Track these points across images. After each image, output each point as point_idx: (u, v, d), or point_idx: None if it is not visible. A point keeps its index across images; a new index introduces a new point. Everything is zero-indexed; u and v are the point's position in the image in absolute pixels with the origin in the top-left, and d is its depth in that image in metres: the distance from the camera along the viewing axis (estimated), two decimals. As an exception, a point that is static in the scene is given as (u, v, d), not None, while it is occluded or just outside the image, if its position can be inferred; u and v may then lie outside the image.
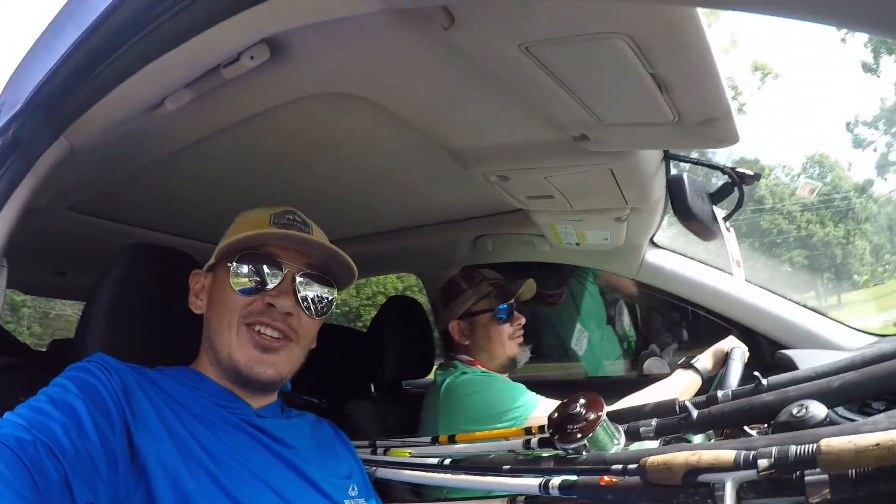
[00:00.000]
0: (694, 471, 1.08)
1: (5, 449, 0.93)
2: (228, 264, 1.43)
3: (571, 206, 2.18)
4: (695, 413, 1.49)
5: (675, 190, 1.96)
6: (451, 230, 2.85)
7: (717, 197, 2.03)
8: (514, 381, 2.36)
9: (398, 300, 2.94)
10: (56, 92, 1.37)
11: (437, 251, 3.11)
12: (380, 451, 1.90)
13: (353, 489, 1.52)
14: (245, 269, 1.43)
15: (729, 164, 2.01)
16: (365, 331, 3.25)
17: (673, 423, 1.52)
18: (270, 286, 1.43)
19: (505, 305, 2.49)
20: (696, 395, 2.02)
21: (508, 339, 2.49)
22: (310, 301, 1.49)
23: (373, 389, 3.22)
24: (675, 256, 2.75)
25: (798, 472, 0.98)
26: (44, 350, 3.72)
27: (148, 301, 1.59)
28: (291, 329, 1.45)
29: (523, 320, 2.55)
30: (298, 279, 1.46)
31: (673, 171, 2.07)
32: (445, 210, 2.68)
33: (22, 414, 1.06)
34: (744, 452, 1.03)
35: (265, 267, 1.44)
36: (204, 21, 1.12)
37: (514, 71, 1.30)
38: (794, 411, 1.27)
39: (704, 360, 2.18)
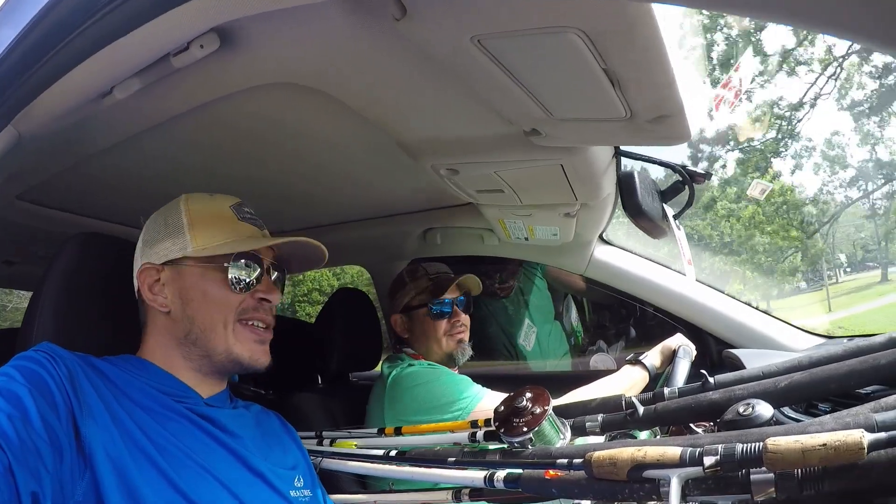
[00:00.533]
0: (639, 466, 1.07)
1: None
2: (225, 264, 1.43)
3: (521, 200, 2.18)
4: (641, 409, 1.50)
5: (625, 187, 1.96)
6: (400, 223, 2.85)
7: (667, 195, 2.04)
8: (461, 374, 2.36)
9: (346, 292, 2.92)
10: (3, 80, 1.33)
11: (385, 244, 3.10)
12: (326, 442, 1.89)
13: (298, 480, 1.52)
14: (241, 270, 1.45)
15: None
16: (312, 322, 3.22)
17: (619, 418, 1.53)
18: (259, 283, 1.47)
19: (439, 301, 2.48)
20: (643, 391, 2.03)
21: (444, 336, 2.48)
22: (279, 289, 1.55)
23: (320, 381, 3.19)
24: (624, 253, 2.76)
25: (744, 471, 0.98)
26: None
27: (95, 291, 1.55)
28: (273, 318, 1.52)
29: (462, 317, 2.54)
30: (272, 270, 1.52)
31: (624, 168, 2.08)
32: (395, 203, 2.68)
33: None
34: (690, 449, 1.03)
35: (252, 265, 1.47)
36: (153, 8, 1.10)
37: (466, 64, 1.29)
38: (741, 410, 1.28)
39: (652, 356, 2.19)
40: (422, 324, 2.52)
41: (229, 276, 1.43)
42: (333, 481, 1.85)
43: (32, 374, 1.16)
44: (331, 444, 1.87)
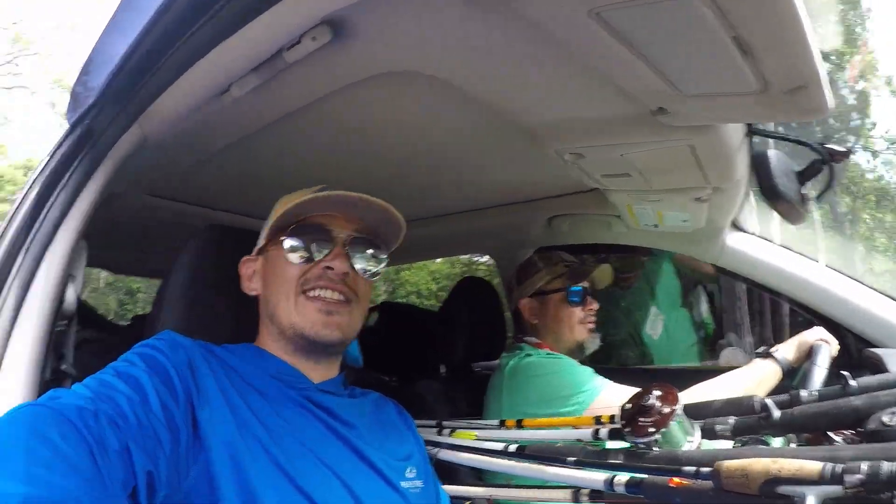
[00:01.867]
0: (773, 481, 0.99)
1: (64, 420, 0.94)
2: (281, 239, 1.47)
3: (650, 185, 2.08)
4: (776, 413, 1.40)
5: (760, 168, 1.84)
6: (525, 210, 2.79)
7: (805, 175, 1.92)
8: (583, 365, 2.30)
9: (471, 281, 2.92)
10: (127, 82, 1.43)
11: (510, 232, 3.05)
12: (446, 431, 1.89)
13: (410, 471, 1.51)
14: (297, 241, 1.46)
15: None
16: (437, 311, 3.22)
17: (752, 422, 1.42)
18: (324, 254, 1.46)
19: (578, 287, 2.44)
20: (775, 389, 1.93)
21: (578, 324, 2.43)
22: (363, 264, 1.52)
23: (443, 370, 3.20)
24: (759, 241, 2.60)
25: (890, 493, 0.90)
26: (125, 324, 3.87)
27: (220, 281, 1.61)
28: (350, 290, 1.48)
29: (596, 306, 2.50)
30: (349, 243, 1.49)
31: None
32: (518, 190, 2.62)
33: (89, 385, 1.09)
34: (830, 465, 0.95)
35: (316, 236, 1.47)
36: (262, 3, 1.15)
37: (585, 39, 1.23)
38: (885, 419, 1.18)
39: (786, 350, 2.06)
40: (556, 310, 2.45)
41: (285, 248, 1.45)
42: (451, 472, 1.84)
43: (153, 361, 1.21)
44: (450, 434, 1.87)
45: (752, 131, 1.88)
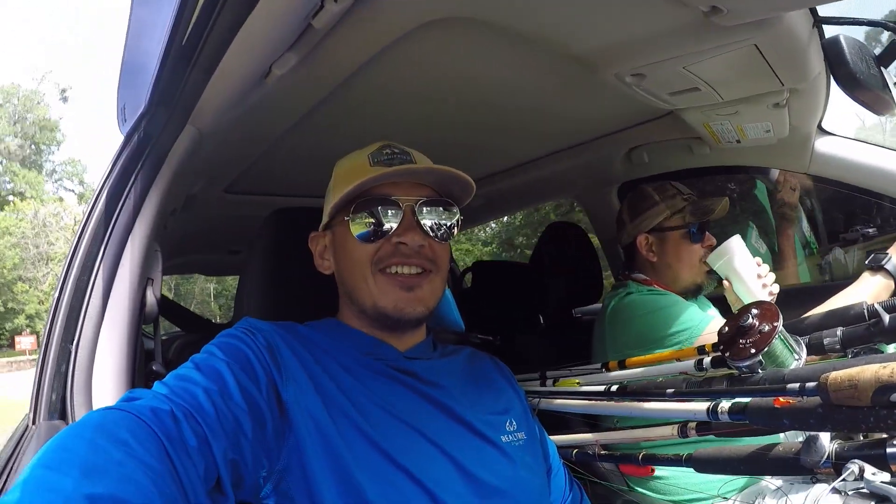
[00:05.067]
0: (886, 388, 0.92)
1: (137, 421, 0.95)
2: (345, 217, 1.42)
3: (721, 96, 1.97)
4: (886, 318, 1.31)
5: (833, 57, 1.70)
6: (602, 146, 2.69)
7: (884, 59, 1.78)
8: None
9: (557, 227, 2.88)
10: (169, 82, 1.46)
11: (590, 171, 2.95)
12: (549, 381, 1.89)
13: (510, 423, 1.49)
14: (363, 217, 1.40)
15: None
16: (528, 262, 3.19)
17: (861, 331, 1.35)
18: (393, 226, 1.40)
19: (701, 223, 2.34)
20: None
21: (699, 262, 2.32)
22: (436, 228, 1.44)
23: (541, 321, 3.15)
24: (850, 142, 2.44)
25: None
26: (226, 322, 4.00)
27: (293, 263, 1.62)
28: (428, 260, 1.42)
29: (714, 242, 2.35)
30: (419, 210, 1.42)
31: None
32: (590, 126, 2.52)
33: (167, 383, 1.11)
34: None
35: (382, 209, 1.40)
36: None
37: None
38: None
39: None
40: (676, 247, 2.35)
41: (353, 226, 1.40)
42: (562, 421, 1.85)
43: (231, 349, 1.23)
44: (554, 384, 1.85)
45: (819, 19, 1.72)
